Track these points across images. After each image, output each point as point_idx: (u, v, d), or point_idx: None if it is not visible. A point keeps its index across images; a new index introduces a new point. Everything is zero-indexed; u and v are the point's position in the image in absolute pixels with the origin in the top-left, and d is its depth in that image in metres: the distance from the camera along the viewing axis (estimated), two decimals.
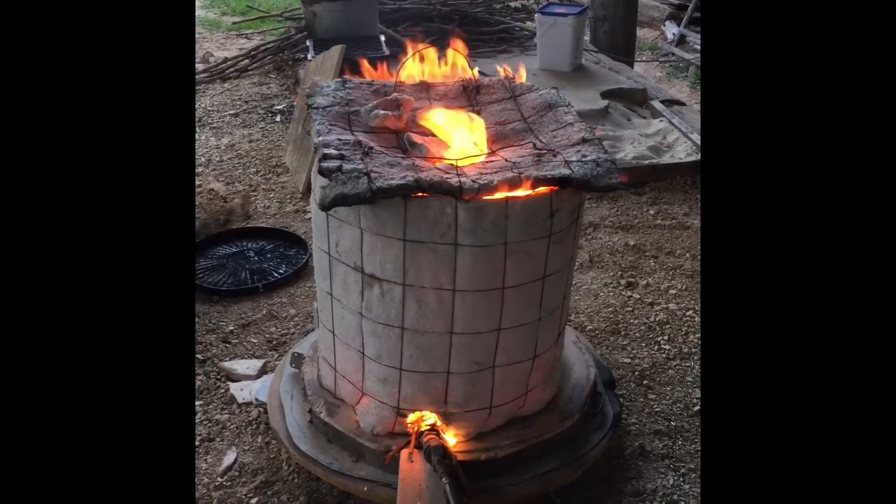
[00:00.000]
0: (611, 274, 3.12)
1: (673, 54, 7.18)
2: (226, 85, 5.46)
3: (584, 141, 1.78)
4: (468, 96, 2.05)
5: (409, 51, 2.12)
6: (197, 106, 5.03)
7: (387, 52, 4.58)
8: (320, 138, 1.74)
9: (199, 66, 5.74)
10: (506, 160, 1.73)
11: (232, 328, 2.76)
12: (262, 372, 2.52)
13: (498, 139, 1.90)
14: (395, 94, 1.98)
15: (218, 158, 4.22)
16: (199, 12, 7.61)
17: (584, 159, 1.68)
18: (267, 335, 2.73)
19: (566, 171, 1.63)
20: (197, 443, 2.24)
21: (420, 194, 1.60)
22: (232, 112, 4.92)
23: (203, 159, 4.21)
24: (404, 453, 1.77)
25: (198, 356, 2.59)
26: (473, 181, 1.59)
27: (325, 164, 1.61)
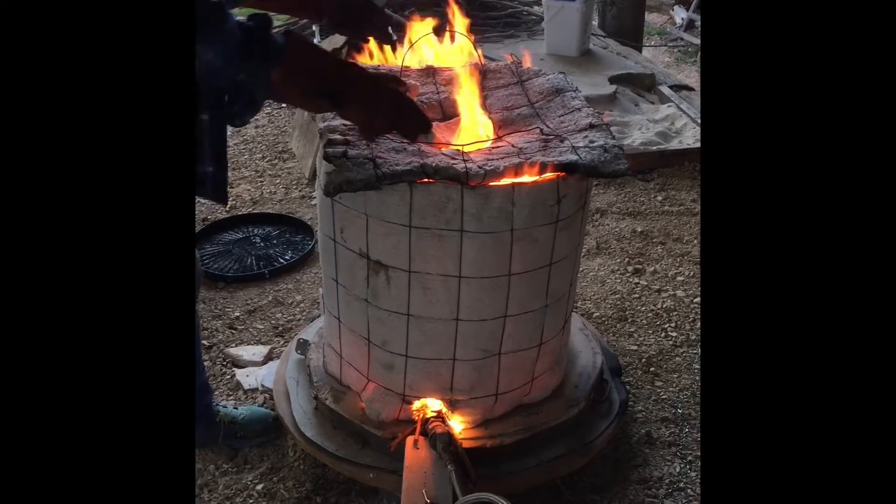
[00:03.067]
0: (618, 261, 3.11)
1: (681, 39, 7.13)
2: None
3: (591, 126, 1.76)
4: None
5: (410, 32, 2.09)
6: None
7: (394, 37, 4.56)
8: (325, 123, 1.73)
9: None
10: (512, 146, 1.71)
11: (238, 314, 2.76)
12: (268, 358, 2.52)
13: (505, 124, 1.89)
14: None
15: None
16: None
17: (591, 145, 1.66)
18: (273, 321, 2.73)
19: (573, 157, 1.62)
20: None
21: (426, 180, 1.58)
22: None
23: None
24: (410, 440, 1.77)
25: (203, 342, 2.59)
26: (480, 167, 1.58)
27: (330, 150, 1.60)
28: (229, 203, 3.52)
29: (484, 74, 2.07)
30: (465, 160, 1.61)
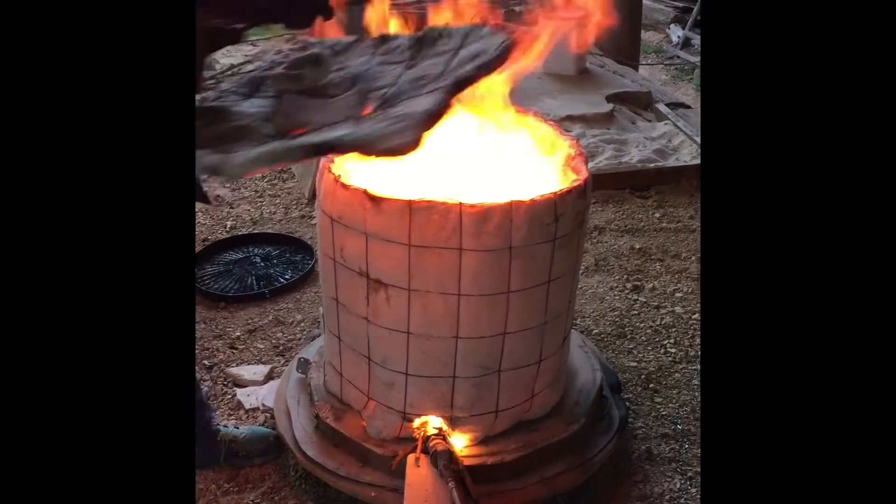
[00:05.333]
0: (616, 277, 3.12)
1: (678, 57, 7.18)
2: None
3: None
4: (419, 48, 1.73)
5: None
6: None
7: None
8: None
9: (204, 73, 5.74)
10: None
11: (238, 334, 2.77)
12: (269, 377, 2.52)
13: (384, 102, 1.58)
14: None
15: None
16: None
17: (396, 115, 1.46)
18: (273, 341, 2.74)
19: (339, 133, 1.43)
20: None
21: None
22: None
23: None
24: (411, 458, 1.77)
25: (204, 362, 2.60)
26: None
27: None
28: (229, 223, 3.53)
29: (436, 39, 1.73)
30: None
